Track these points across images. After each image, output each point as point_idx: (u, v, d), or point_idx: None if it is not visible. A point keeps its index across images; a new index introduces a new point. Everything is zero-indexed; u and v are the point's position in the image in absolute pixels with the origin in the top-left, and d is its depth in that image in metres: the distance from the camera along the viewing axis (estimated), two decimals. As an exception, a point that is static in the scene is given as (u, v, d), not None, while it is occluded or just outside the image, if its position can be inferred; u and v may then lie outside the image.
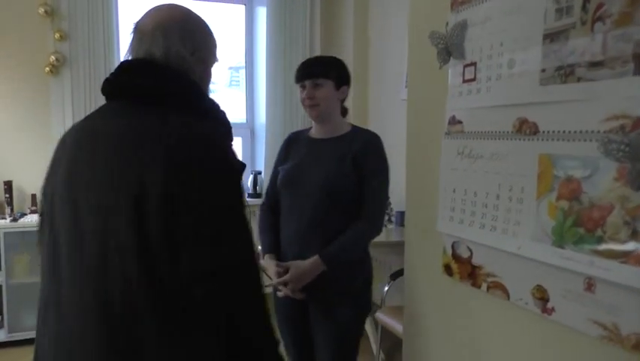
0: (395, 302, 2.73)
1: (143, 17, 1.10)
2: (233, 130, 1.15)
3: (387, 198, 1.83)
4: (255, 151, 4.22)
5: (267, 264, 1.81)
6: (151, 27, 1.06)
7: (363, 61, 3.66)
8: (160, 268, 0.85)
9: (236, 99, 4.29)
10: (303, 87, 1.82)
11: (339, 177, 1.75)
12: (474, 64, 1.21)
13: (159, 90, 1.02)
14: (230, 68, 4.42)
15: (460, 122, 1.26)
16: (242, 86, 4.30)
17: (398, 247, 2.55)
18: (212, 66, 1.18)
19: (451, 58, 1.27)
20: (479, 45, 1.20)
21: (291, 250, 1.81)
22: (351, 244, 1.76)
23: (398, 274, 2.63)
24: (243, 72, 4.29)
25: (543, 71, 1.04)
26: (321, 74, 1.79)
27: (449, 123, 1.29)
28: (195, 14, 1.14)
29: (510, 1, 1.11)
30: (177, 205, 0.87)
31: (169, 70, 1.04)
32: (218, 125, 1.04)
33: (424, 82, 1.41)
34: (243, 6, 4.24)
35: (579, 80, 0.97)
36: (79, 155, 1.00)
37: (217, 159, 0.94)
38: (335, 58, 1.94)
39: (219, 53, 1.24)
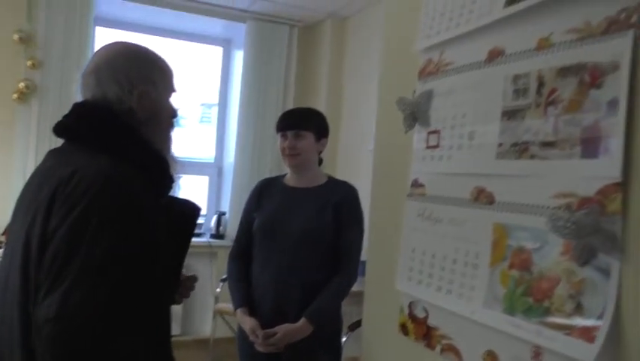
0: (353, 353, 2.72)
1: (88, 62, 1.14)
2: (177, 175, 1.15)
3: (361, 249, 1.87)
4: (221, 191, 4.21)
5: (242, 320, 1.81)
6: (89, 71, 1.11)
7: (335, 111, 3.75)
8: (31, 307, 0.92)
9: (207, 136, 4.31)
10: (285, 136, 1.87)
11: (319, 227, 1.79)
12: (438, 131, 1.28)
13: (79, 132, 1.07)
14: (203, 104, 4.46)
15: (422, 185, 1.32)
16: (213, 123, 4.33)
17: (358, 297, 2.56)
18: (166, 97, 1.18)
19: (417, 124, 1.34)
20: (443, 115, 1.27)
21: (267, 296, 1.81)
22: (333, 299, 1.80)
23: (356, 325, 2.64)
24: (215, 109, 4.33)
25: (500, 145, 1.11)
26: (303, 126, 1.85)
27: (412, 186, 1.35)
28: (136, 49, 1.15)
29: (473, 78, 1.19)
30: (47, 244, 0.93)
31: (96, 111, 1.08)
32: (139, 170, 1.04)
33: (390, 144, 1.47)
34: (221, 48, 4.32)
35: (532, 157, 1.04)
36: (23, 190, 1.10)
37: (107, 203, 0.94)
38: (316, 110, 2.01)
39: (175, 83, 1.22)
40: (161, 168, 1.13)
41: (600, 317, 0.89)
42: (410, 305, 1.33)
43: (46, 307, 0.88)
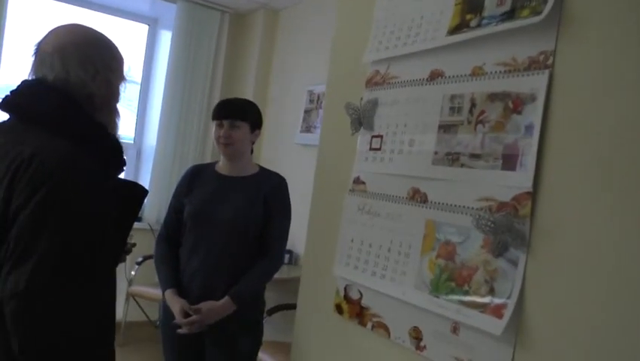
0: (269, 337, 2.85)
1: (44, 38, 1.16)
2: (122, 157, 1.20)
3: (287, 237, 1.99)
4: (139, 172, 4.12)
5: (171, 301, 1.85)
6: (50, 50, 1.12)
7: (261, 102, 3.83)
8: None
9: (125, 115, 4.18)
10: (220, 125, 1.93)
11: (249, 214, 1.87)
12: (381, 136, 1.45)
13: (36, 112, 1.08)
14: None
15: (363, 182, 1.48)
16: (132, 102, 4.21)
17: (278, 283, 2.70)
18: (119, 85, 1.25)
19: (362, 128, 1.50)
20: (387, 122, 1.44)
21: (195, 282, 1.87)
22: (257, 281, 1.89)
23: (274, 310, 2.77)
24: (134, 88, 4.20)
25: (436, 153, 1.30)
26: (239, 116, 1.92)
27: (354, 182, 1.51)
28: (98, 35, 1.19)
29: (415, 93, 1.38)
30: (9, 224, 0.96)
31: (54, 93, 1.10)
32: (93, 150, 1.08)
33: (335, 143, 1.62)
34: (147, 26, 4.21)
35: (462, 165, 1.24)
36: None
37: (70, 186, 0.99)
38: (252, 102, 2.09)
39: (126, 70, 1.29)
40: (116, 153, 1.18)
41: (508, 298, 1.10)
42: (346, 288, 1.49)
43: (12, 283, 0.93)
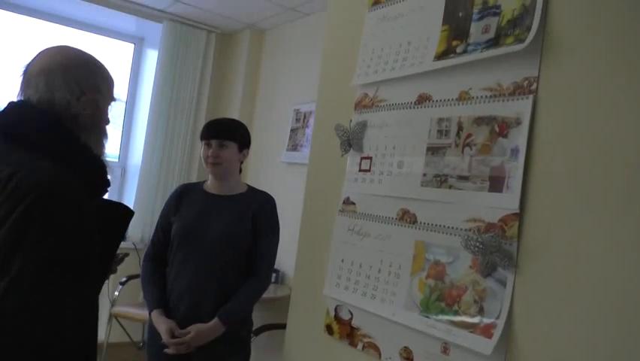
0: (256, 358, 2.83)
1: (32, 59, 1.17)
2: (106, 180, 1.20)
3: (275, 256, 2.00)
4: (124, 191, 4.09)
5: (157, 321, 1.84)
6: (36, 71, 1.13)
7: (247, 121, 3.86)
8: None
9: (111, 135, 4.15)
10: (209, 145, 1.95)
11: (239, 232, 1.88)
12: (370, 158, 1.47)
13: (20, 133, 1.08)
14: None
15: (353, 203, 1.50)
16: (117, 121, 4.20)
17: (266, 303, 2.69)
18: (107, 106, 1.26)
19: (351, 149, 1.52)
20: (376, 144, 1.46)
21: (182, 301, 1.86)
22: (247, 301, 1.89)
23: (261, 330, 2.76)
24: (120, 107, 4.20)
25: (424, 175, 1.33)
26: (227, 136, 1.94)
27: (344, 203, 1.53)
28: (85, 56, 1.19)
29: (403, 116, 1.41)
30: None
31: (38, 114, 1.10)
32: (77, 171, 1.08)
33: (325, 164, 1.64)
34: (132, 45, 4.22)
35: (450, 187, 1.27)
36: None
37: (48, 207, 0.98)
38: (240, 122, 2.11)
39: (115, 91, 1.30)
40: (100, 173, 1.18)
41: (497, 318, 1.12)
42: (336, 308, 1.50)
43: None
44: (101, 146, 1.24)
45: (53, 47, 1.20)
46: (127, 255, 1.39)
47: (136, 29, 4.09)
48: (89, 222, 1.06)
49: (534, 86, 1.15)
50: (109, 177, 1.23)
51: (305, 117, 3.38)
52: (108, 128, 1.30)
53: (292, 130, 3.47)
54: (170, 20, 3.86)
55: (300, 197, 1.77)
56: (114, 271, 1.36)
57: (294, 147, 3.44)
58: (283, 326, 1.76)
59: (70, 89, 1.13)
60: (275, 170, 3.60)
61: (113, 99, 1.27)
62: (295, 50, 3.68)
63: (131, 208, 1.30)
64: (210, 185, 2.04)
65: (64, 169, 1.05)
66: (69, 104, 1.12)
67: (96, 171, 1.16)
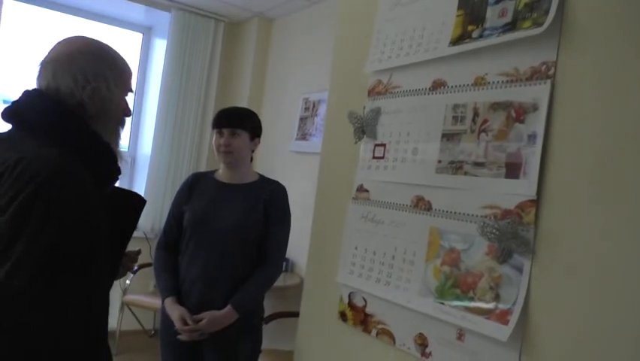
0: (266, 345, 2.86)
1: (49, 50, 1.17)
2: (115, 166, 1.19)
3: (287, 244, 2.00)
4: (134, 181, 4.11)
5: (171, 308, 1.85)
6: (47, 61, 1.15)
7: (256, 109, 3.85)
8: None
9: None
10: (220, 133, 1.95)
11: (250, 221, 1.89)
12: (384, 145, 1.46)
13: (30, 120, 1.10)
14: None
15: (366, 190, 1.50)
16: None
17: (276, 291, 2.70)
18: (119, 95, 1.24)
19: (365, 136, 1.51)
20: (390, 130, 1.46)
21: (194, 289, 1.87)
22: (259, 289, 1.89)
23: (270, 318, 2.77)
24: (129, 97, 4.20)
25: (439, 162, 1.32)
26: (239, 125, 1.94)
27: (357, 190, 1.52)
28: (96, 46, 1.19)
29: (418, 102, 1.40)
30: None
31: (48, 102, 1.11)
32: (87, 161, 1.08)
33: (337, 152, 1.63)
34: (141, 35, 4.22)
35: (466, 173, 1.26)
36: None
37: (52, 193, 0.98)
38: (252, 111, 2.11)
39: (132, 83, 1.29)
40: (108, 160, 1.17)
41: (513, 305, 1.12)
42: (350, 295, 1.50)
43: None
44: (113, 133, 1.23)
45: (68, 37, 1.21)
46: (139, 252, 1.39)
47: (144, 18, 4.08)
48: (94, 215, 1.06)
49: (552, 71, 1.13)
50: (120, 165, 1.23)
51: (314, 106, 3.37)
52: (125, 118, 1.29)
53: (301, 119, 3.46)
54: (178, 9, 3.85)
55: (309, 186, 1.77)
56: (130, 269, 1.36)
57: (303, 136, 3.43)
58: (293, 314, 1.77)
59: (73, 78, 1.13)
60: (284, 159, 3.59)
61: (129, 89, 1.27)
62: (303, 38, 3.66)
63: (144, 197, 1.30)
64: (222, 174, 2.04)
65: (71, 157, 1.05)
66: (73, 93, 1.13)
67: (105, 159, 1.16)
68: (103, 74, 1.17)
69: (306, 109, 3.44)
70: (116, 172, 1.19)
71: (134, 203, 1.26)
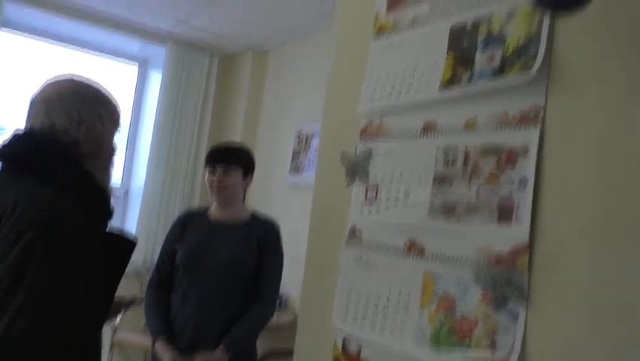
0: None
1: (38, 90, 1.20)
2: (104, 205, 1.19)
3: (280, 282, 1.98)
4: (126, 214, 4.08)
5: (162, 351, 1.82)
6: (38, 100, 1.18)
7: (250, 143, 3.84)
8: None
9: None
10: (213, 171, 1.94)
11: (244, 259, 1.88)
12: (376, 186, 1.46)
13: (23, 161, 1.10)
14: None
15: (359, 233, 1.48)
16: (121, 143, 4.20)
17: (266, 329, 2.65)
18: (110, 134, 1.26)
19: (357, 178, 1.51)
20: (382, 172, 1.45)
21: (187, 328, 1.84)
22: (252, 329, 1.87)
23: (264, 356, 2.71)
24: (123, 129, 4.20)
25: (431, 204, 1.31)
26: (233, 161, 1.94)
27: (350, 232, 1.51)
28: (87, 85, 1.21)
29: (409, 145, 1.39)
30: None
31: (40, 142, 1.12)
32: (82, 202, 1.08)
33: (330, 193, 1.62)
34: (136, 66, 4.24)
35: (458, 217, 1.25)
36: None
37: (51, 235, 0.98)
38: (246, 147, 2.11)
39: (120, 120, 1.30)
40: (102, 201, 1.18)
41: (510, 353, 1.09)
42: (344, 340, 1.47)
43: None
44: (106, 173, 1.25)
45: (57, 78, 1.24)
46: (132, 302, 1.38)
47: (140, 50, 4.11)
48: (91, 253, 1.06)
49: (541, 115, 1.13)
50: (112, 205, 1.23)
51: (307, 139, 3.37)
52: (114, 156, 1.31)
53: (294, 152, 3.46)
54: (173, 42, 3.88)
55: (302, 220, 1.75)
56: (120, 313, 1.34)
57: (296, 169, 3.43)
58: (287, 352, 1.73)
59: (68, 116, 1.15)
60: (278, 193, 3.58)
61: (118, 128, 1.29)
62: (298, 69, 3.69)
63: (134, 239, 1.29)
64: (214, 211, 2.03)
65: (67, 198, 1.06)
66: (68, 131, 1.15)
67: (99, 200, 1.17)
68: (96, 111, 1.19)
69: (300, 141, 3.44)
70: (109, 213, 1.20)
71: (126, 245, 1.26)
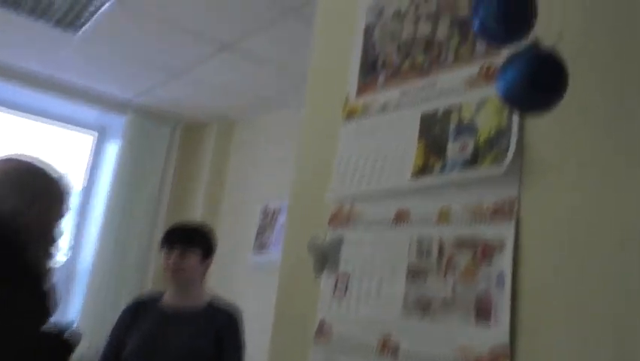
0: None
1: None
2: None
3: None
4: (70, 294, 3.74)
5: None
6: None
7: (211, 219, 3.59)
8: None
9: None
10: (170, 252, 1.82)
11: (200, 350, 1.72)
12: (347, 277, 1.38)
13: None
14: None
15: (329, 330, 1.38)
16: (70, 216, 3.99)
17: None
18: (58, 217, 1.21)
19: (326, 268, 1.43)
20: (353, 262, 1.38)
21: None
22: None
23: None
24: (74, 198, 4.00)
25: (405, 299, 1.24)
26: (191, 242, 1.83)
27: (318, 329, 1.40)
28: (36, 166, 1.18)
29: (381, 234, 1.34)
30: None
31: None
32: (18, 295, 1.02)
33: (296, 286, 1.52)
34: (95, 134, 4.09)
35: (434, 314, 1.18)
36: None
37: None
38: (206, 227, 2.01)
39: (69, 203, 1.27)
40: (43, 298, 1.10)
41: None
42: None
43: None
44: (49, 260, 1.20)
45: (3, 159, 1.18)
46: None
47: (98, 119, 3.97)
48: (28, 352, 1.02)
49: (516, 208, 1.11)
50: (54, 300, 1.16)
51: (274, 214, 3.28)
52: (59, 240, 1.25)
53: (259, 228, 3.35)
54: (133, 111, 3.76)
55: (267, 304, 1.63)
56: None
57: (261, 246, 3.30)
58: None
59: (20, 197, 1.09)
60: (240, 274, 3.41)
61: (66, 212, 1.24)
62: (265, 143, 3.63)
63: (75, 339, 1.21)
64: (169, 297, 1.89)
65: (6, 293, 0.99)
66: (21, 212, 1.07)
67: (39, 296, 1.10)
68: (47, 194, 1.16)
69: (265, 217, 3.34)
70: (49, 311, 1.12)
71: (64, 346, 1.17)
